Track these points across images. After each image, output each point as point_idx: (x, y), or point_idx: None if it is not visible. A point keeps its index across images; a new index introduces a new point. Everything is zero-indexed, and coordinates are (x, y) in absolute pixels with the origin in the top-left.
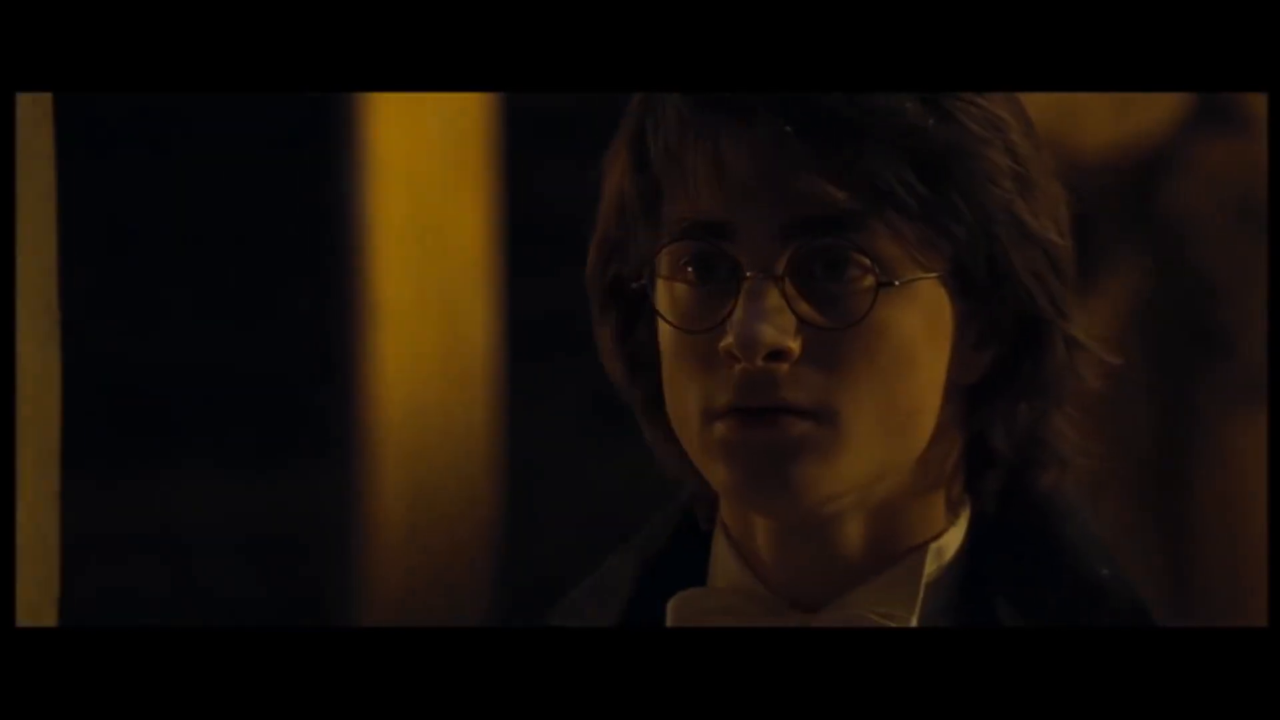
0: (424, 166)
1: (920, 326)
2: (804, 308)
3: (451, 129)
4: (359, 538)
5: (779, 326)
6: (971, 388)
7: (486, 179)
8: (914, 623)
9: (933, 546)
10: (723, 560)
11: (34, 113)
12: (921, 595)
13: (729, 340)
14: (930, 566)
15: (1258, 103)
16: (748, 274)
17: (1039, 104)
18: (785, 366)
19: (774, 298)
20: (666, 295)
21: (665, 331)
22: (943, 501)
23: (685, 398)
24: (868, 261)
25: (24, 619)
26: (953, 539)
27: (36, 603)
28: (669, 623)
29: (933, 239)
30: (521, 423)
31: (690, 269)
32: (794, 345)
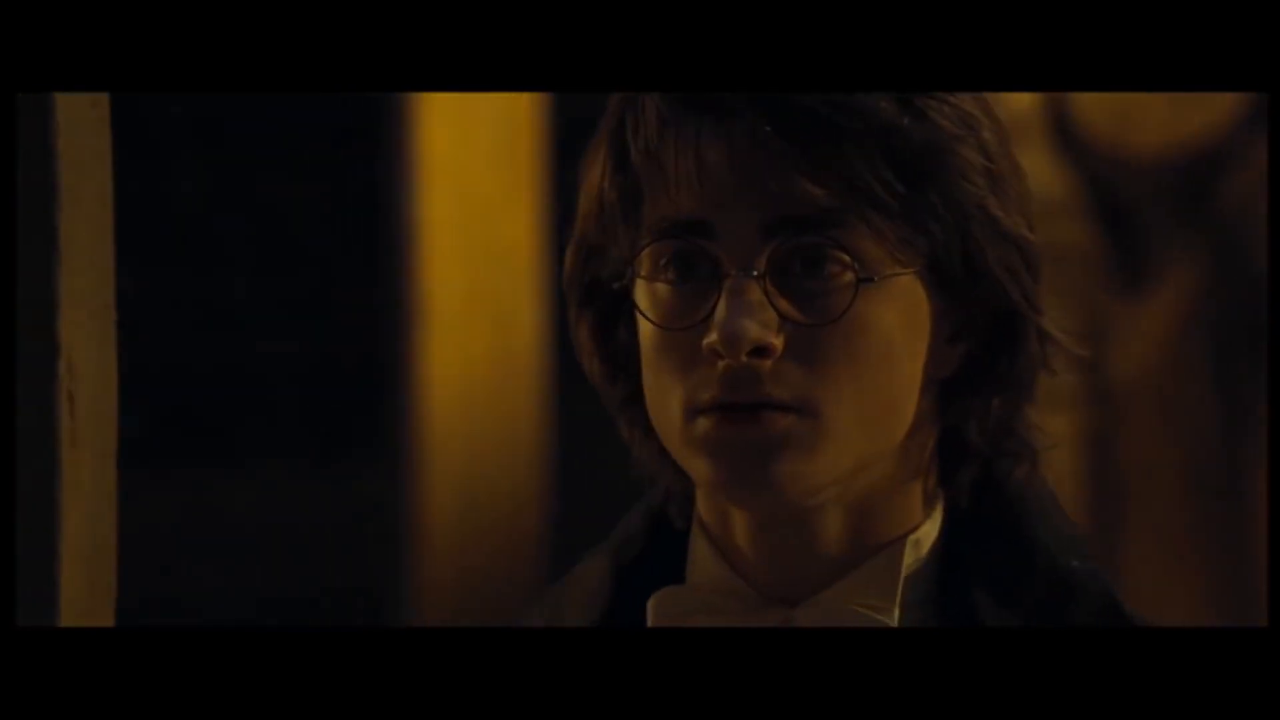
0: (474, 166)
1: (899, 322)
2: (785, 305)
3: (501, 128)
4: (410, 536)
5: (762, 323)
6: (946, 381)
7: (536, 178)
8: (895, 613)
9: (911, 538)
10: (701, 558)
11: (91, 114)
12: (901, 587)
13: (713, 338)
14: (909, 558)
15: None
16: (730, 272)
17: (1097, 105)
18: (768, 363)
19: (755, 295)
20: (647, 294)
21: (646, 330)
22: (919, 494)
23: (667, 395)
24: (847, 258)
25: (81, 619)
26: (930, 531)
27: (93, 603)
28: (650, 622)
29: (910, 236)
30: (572, 421)
31: (671, 268)
32: (776, 342)
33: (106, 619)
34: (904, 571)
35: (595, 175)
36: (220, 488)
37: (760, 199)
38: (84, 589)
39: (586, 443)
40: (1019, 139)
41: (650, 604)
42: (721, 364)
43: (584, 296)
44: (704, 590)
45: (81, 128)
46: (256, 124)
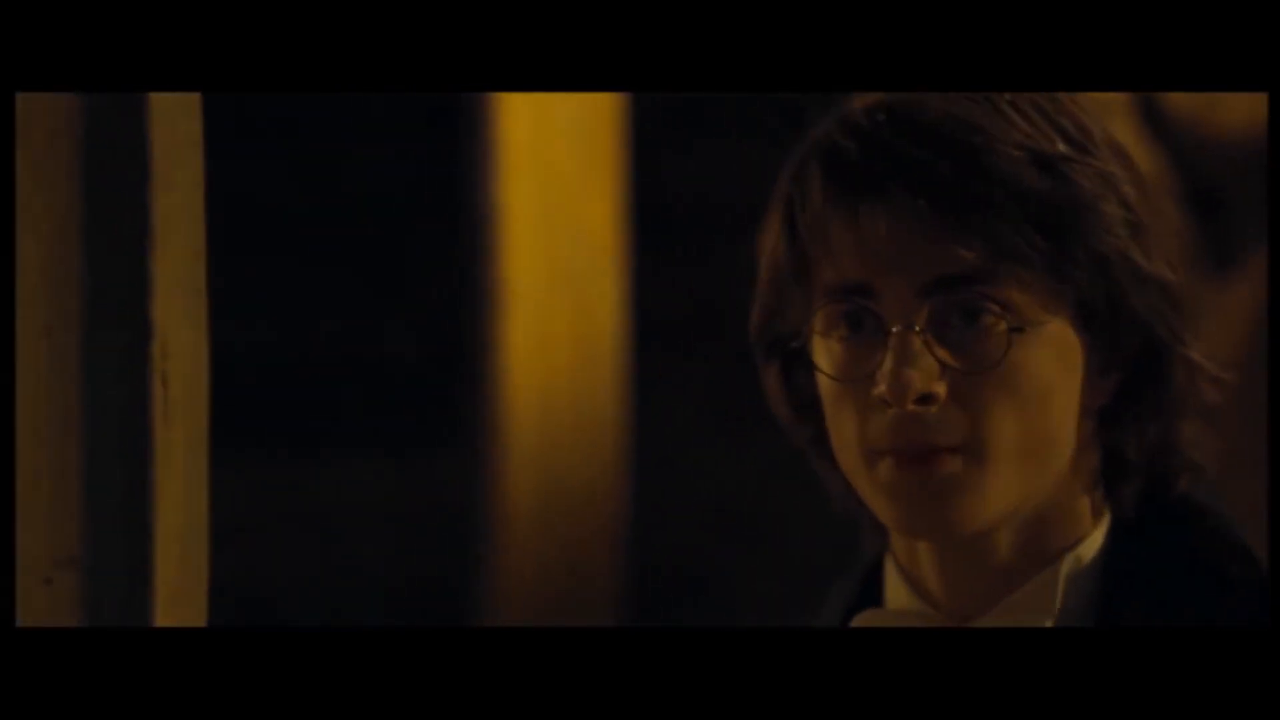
0: (554, 156)
1: (1052, 363)
2: (945, 355)
3: (582, 114)
4: (489, 525)
5: (925, 372)
6: (1102, 409)
7: (616, 168)
8: (1050, 622)
9: (1073, 553)
10: (893, 584)
11: (183, 106)
12: (1062, 595)
13: (881, 388)
14: (1069, 568)
15: None
16: (893, 328)
17: (1185, 94)
18: (934, 408)
19: (918, 347)
20: (823, 350)
21: (824, 381)
22: (1088, 508)
23: (847, 440)
24: (999, 309)
25: (173, 607)
26: (1093, 543)
27: (187, 590)
28: None
29: (1056, 286)
30: (651, 412)
31: (842, 325)
32: (940, 389)
33: (199, 600)
34: (1064, 582)
35: (770, 246)
36: (302, 476)
37: (916, 263)
38: (177, 569)
39: (666, 432)
40: (1104, 119)
41: (854, 624)
42: (891, 412)
43: (768, 351)
44: (896, 613)
45: (174, 115)
46: (341, 118)
